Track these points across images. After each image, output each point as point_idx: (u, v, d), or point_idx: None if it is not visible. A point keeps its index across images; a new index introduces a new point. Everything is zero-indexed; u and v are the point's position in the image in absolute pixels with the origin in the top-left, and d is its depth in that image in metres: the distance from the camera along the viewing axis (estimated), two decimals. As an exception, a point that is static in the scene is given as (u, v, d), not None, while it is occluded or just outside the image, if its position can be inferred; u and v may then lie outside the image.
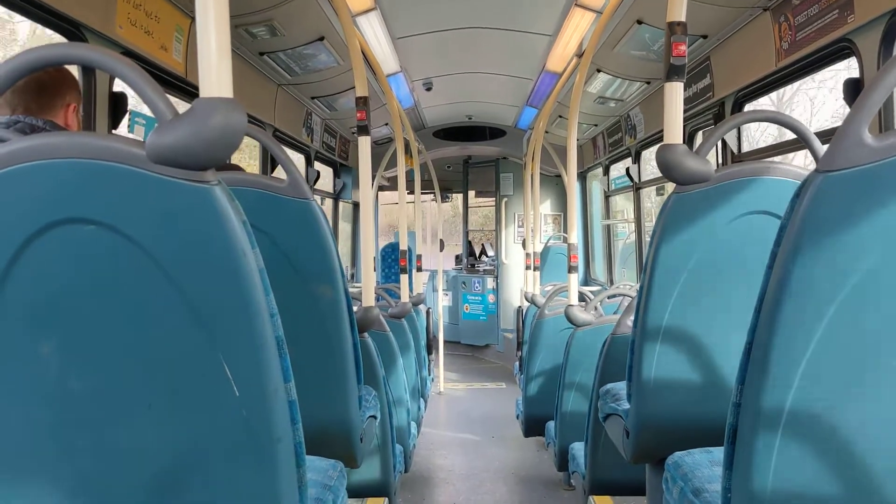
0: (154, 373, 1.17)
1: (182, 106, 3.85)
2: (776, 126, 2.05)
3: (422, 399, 5.69)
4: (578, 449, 3.74)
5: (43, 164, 1.10)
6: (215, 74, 1.12)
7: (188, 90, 3.85)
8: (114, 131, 3.16)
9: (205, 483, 1.20)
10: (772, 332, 1.20)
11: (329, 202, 8.25)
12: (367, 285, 2.99)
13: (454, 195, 14.60)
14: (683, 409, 2.06)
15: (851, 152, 1.15)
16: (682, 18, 2.06)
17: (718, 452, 1.87)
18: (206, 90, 1.11)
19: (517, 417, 5.72)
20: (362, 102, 3.05)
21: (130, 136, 3.35)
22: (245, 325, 1.14)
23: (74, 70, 2.66)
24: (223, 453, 1.20)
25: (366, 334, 2.89)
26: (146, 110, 2.87)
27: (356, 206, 8.90)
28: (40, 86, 2.11)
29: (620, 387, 2.45)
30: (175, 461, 1.20)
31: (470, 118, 9.21)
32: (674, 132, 2.03)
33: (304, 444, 1.28)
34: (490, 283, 10.98)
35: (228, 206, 1.11)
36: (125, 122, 3.25)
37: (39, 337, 1.15)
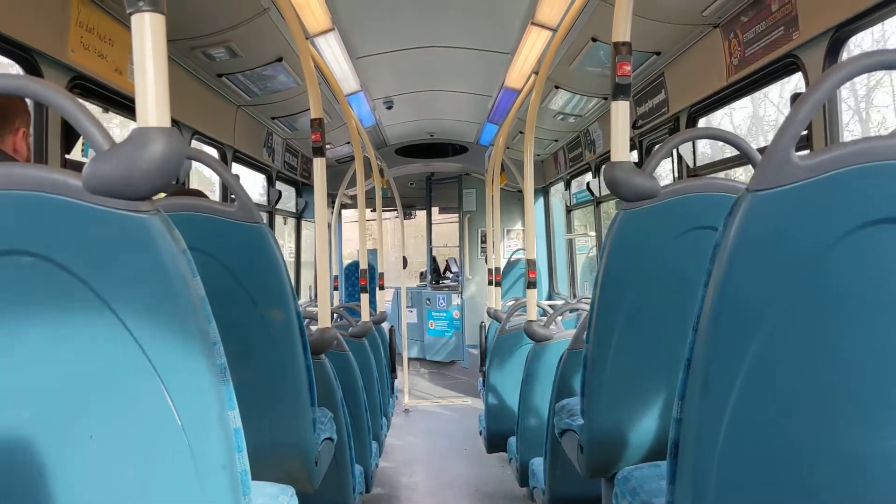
0: (96, 402, 1.17)
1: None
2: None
3: (384, 418, 5.67)
4: (538, 464, 3.75)
5: None
6: (152, 103, 1.12)
7: None
8: (67, 156, 3.13)
9: None
10: (707, 349, 1.23)
11: (292, 222, 8.23)
12: (324, 306, 2.98)
13: (418, 212, 14.60)
14: (633, 424, 2.09)
15: (779, 171, 1.18)
16: (627, 38, 2.09)
17: (665, 466, 1.89)
18: (142, 119, 1.11)
19: (480, 433, 5.73)
20: (317, 124, 3.05)
21: (84, 159, 3.32)
22: (185, 354, 1.14)
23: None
24: (167, 482, 1.19)
25: (322, 356, 2.88)
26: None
27: (319, 225, 8.85)
28: None
29: (575, 402, 2.47)
30: (119, 491, 1.19)
31: (432, 135, 9.24)
32: (621, 149, 2.06)
33: (249, 472, 1.28)
34: (455, 299, 10.99)
35: (166, 235, 1.11)
36: (79, 146, 3.22)
37: None
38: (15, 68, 2.91)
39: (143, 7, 1.11)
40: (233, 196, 2.09)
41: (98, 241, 1.10)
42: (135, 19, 1.11)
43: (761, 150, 2.31)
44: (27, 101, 2.27)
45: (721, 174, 4.21)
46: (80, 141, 3.24)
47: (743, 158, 3.97)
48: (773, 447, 1.25)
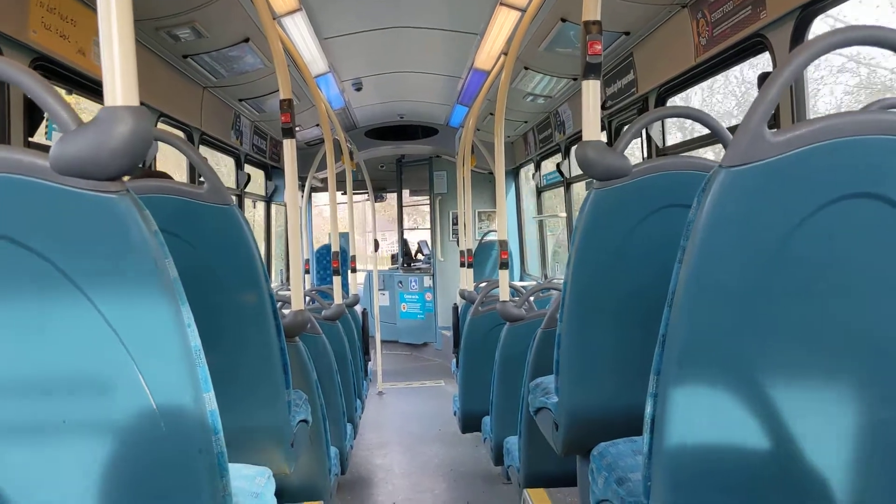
0: (67, 386, 1.15)
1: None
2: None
3: (358, 400, 5.67)
4: (512, 443, 3.78)
5: None
6: (120, 82, 1.10)
7: None
8: (30, 139, 3.08)
9: (128, 499, 1.19)
10: (681, 324, 1.24)
11: (261, 205, 8.16)
12: (296, 289, 2.97)
13: (388, 195, 14.56)
14: (607, 401, 2.11)
15: (752, 148, 1.19)
16: (598, 17, 2.09)
17: (642, 441, 1.91)
18: (110, 99, 1.09)
19: (454, 414, 5.75)
20: (286, 105, 3.02)
21: (48, 142, 3.26)
22: (158, 337, 1.13)
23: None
24: (143, 468, 1.19)
25: (296, 338, 2.86)
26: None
27: (288, 208, 8.80)
28: None
29: (549, 380, 2.49)
30: (95, 475, 1.18)
31: (402, 117, 9.20)
32: (592, 129, 2.06)
33: (226, 454, 1.27)
34: (427, 281, 10.99)
35: (137, 216, 1.10)
36: (42, 129, 3.17)
37: None
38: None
39: None
40: (201, 179, 2.07)
41: (67, 223, 1.09)
42: None
43: (731, 129, 2.33)
44: None
45: (690, 154, 4.24)
46: (44, 123, 3.19)
47: (711, 138, 4.04)
48: (748, 421, 1.27)
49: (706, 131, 3.97)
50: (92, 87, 3.63)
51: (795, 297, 1.22)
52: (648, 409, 1.37)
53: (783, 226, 1.19)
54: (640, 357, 2.04)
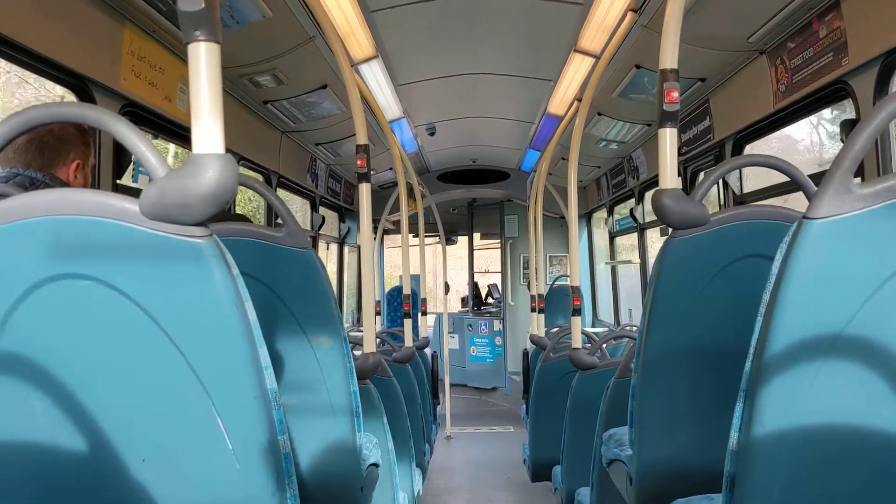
0: (148, 425, 1.17)
1: (187, 154, 3.90)
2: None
3: (427, 444, 5.64)
4: (584, 495, 3.69)
5: (39, 221, 1.12)
6: (207, 130, 1.13)
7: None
8: (118, 181, 3.20)
9: None
10: (764, 380, 1.20)
11: (335, 247, 8.28)
12: (369, 331, 2.99)
13: (459, 238, 14.61)
14: (685, 455, 2.04)
15: (837, 200, 1.16)
16: (675, 65, 2.08)
17: (720, 500, 1.85)
18: (198, 146, 1.13)
19: (524, 462, 5.67)
20: (362, 150, 3.07)
21: (134, 185, 3.39)
22: (237, 378, 1.15)
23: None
24: None
25: (368, 381, 2.88)
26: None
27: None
28: (41, 145, 2.11)
29: (623, 432, 2.43)
30: None
31: (474, 161, 9.27)
32: (669, 176, 2.04)
33: (298, 497, 1.28)
34: (497, 325, 10.94)
35: (221, 260, 1.12)
36: (129, 171, 3.29)
37: (32, 391, 1.15)
38: (70, 96, 2.98)
39: (199, 37, 1.13)
40: (278, 221, 2.11)
41: (153, 266, 1.12)
42: (191, 48, 1.13)
43: (811, 177, 2.28)
44: (88, 136, 2.31)
45: (767, 202, 4.15)
46: (130, 167, 3.31)
47: (790, 186, 3.95)
48: (836, 483, 1.21)
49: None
50: (177, 132, 3.76)
51: (883, 352, 1.17)
52: (728, 467, 1.32)
53: (871, 279, 1.15)
54: (717, 410, 1.98)
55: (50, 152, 2.13)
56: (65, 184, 2.14)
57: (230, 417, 1.16)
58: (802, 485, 1.22)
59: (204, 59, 1.14)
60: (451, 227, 13.18)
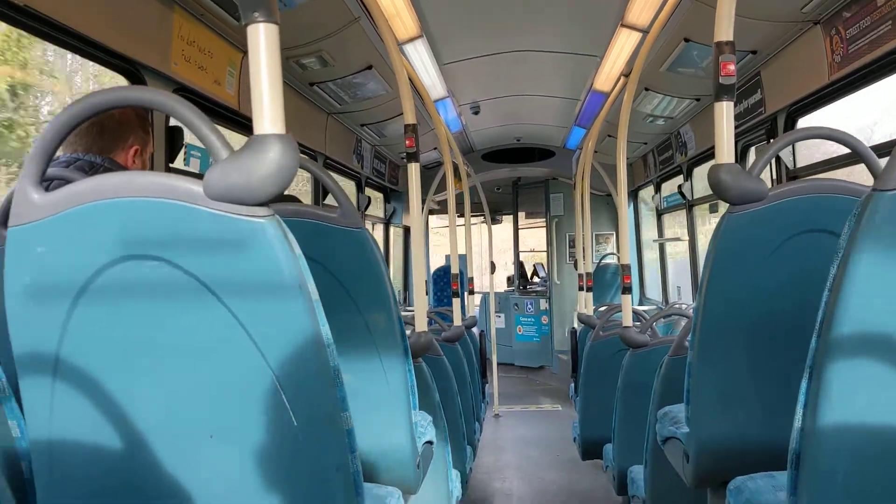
0: (216, 402, 1.20)
1: (233, 137, 3.94)
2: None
3: (477, 422, 5.66)
4: (637, 472, 3.68)
5: (109, 203, 1.14)
6: (268, 111, 1.14)
7: (241, 122, 3.93)
8: (170, 164, 3.24)
9: None
10: (831, 356, 1.18)
11: (380, 227, 8.31)
12: (420, 310, 3.00)
13: (504, 217, 14.57)
14: (744, 432, 2.02)
15: None
16: (730, 37, 2.03)
17: (781, 477, 1.82)
18: (259, 127, 1.14)
19: (574, 440, 5.67)
20: (411, 129, 3.07)
21: (186, 168, 3.43)
22: (302, 356, 1.16)
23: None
24: (282, 483, 1.21)
25: (420, 359, 2.89)
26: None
27: (407, 230, 8.96)
28: (101, 128, 2.14)
29: (679, 409, 2.41)
30: (235, 490, 1.22)
31: (518, 140, 9.22)
32: (725, 152, 2.00)
33: (361, 473, 1.29)
34: (543, 304, 10.92)
35: (284, 240, 1.14)
36: (181, 155, 3.33)
37: (102, 368, 1.18)
38: (121, 80, 3.02)
39: (258, 18, 1.13)
40: (325, 202, 2.12)
41: (218, 246, 1.13)
42: (250, 30, 1.14)
43: (874, 149, 2.22)
44: (147, 123, 2.34)
45: (823, 175, 4.06)
46: (182, 150, 3.35)
47: (847, 159, 3.85)
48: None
49: (841, 151, 3.81)
50: (226, 116, 3.80)
51: None
52: (793, 444, 1.31)
53: None
54: (778, 387, 1.95)
55: (110, 136, 2.17)
56: (123, 168, 2.17)
57: (295, 395, 1.17)
58: (869, 467, 1.20)
59: (263, 39, 1.14)
60: (496, 206, 13.14)
